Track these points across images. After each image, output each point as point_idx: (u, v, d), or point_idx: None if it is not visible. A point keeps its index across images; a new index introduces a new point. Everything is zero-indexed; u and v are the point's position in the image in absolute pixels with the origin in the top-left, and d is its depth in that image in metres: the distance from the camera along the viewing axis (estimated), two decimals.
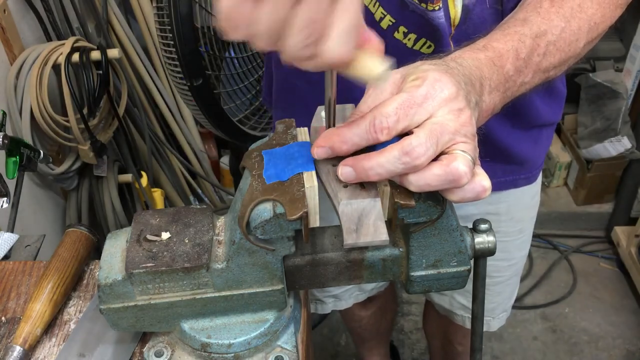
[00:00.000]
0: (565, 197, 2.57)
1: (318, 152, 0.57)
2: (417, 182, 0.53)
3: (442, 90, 0.54)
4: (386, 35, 0.84)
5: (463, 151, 0.53)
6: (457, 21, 0.82)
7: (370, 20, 0.84)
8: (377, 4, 0.82)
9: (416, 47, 0.85)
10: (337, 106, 0.61)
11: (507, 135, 0.99)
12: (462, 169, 0.52)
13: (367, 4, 0.82)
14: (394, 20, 0.83)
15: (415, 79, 0.55)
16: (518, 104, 0.92)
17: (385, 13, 0.83)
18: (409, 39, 0.84)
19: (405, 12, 0.81)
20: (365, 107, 0.57)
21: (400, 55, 0.73)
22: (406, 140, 0.52)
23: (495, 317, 1.32)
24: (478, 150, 0.57)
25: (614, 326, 2.16)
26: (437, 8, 0.79)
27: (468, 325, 1.31)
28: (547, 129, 1.07)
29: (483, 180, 0.55)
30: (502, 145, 1.00)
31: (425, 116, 0.54)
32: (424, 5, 0.80)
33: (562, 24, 0.70)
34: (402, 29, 0.83)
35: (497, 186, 1.07)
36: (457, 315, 1.32)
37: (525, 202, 1.15)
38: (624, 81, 2.25)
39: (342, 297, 1.38)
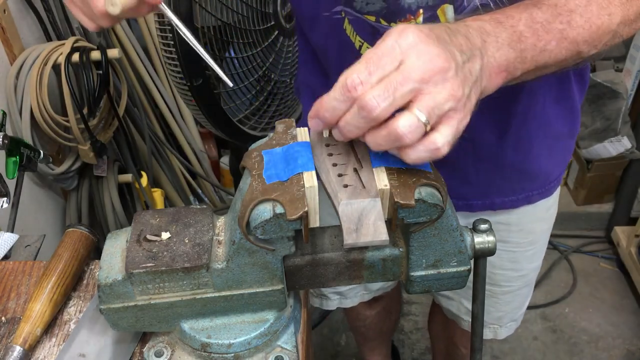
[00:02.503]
0: (565, 197, 2.56)
1: (311, 124, 0.58)
2: (372, 141, 0.55)
3: (407, 36, 0.53)
4: None
5: (419, 110, 0.52)
6: None
7: (352, 49, 0.84)
8: (354, 32, 0.82)
9: None
10: None
11: (514, 147, 0.94)
12: (401, 130, 0.52)
13: (348, 34, 0.83)
14: (370, 47, 0.83)
15: (383, 37, 0.55)
16: (527, 108, 0.89)
17: (362, 40, 0.82)
18: None
19: (377, 36, 0.81)
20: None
21: None
22: (363, 95, 0.52)
23: (503, 326, 1.30)
24: (463, 101, 0.54)
25: (614, 326, 2.16)
26: None
27: None
28: (563, 140, 1.01)
29: (437, 138, 0.53)
30: (507, 160, 0.95)
31: (395, 64, 0.53)
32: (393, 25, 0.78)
33: None
34: None
35: (509, 204, 1.03)
36: (464, 320, 1.31)
37: (538, 215, 1.09)
38: (624, 81, 2.25)
39: (348, 295, 1.37)
